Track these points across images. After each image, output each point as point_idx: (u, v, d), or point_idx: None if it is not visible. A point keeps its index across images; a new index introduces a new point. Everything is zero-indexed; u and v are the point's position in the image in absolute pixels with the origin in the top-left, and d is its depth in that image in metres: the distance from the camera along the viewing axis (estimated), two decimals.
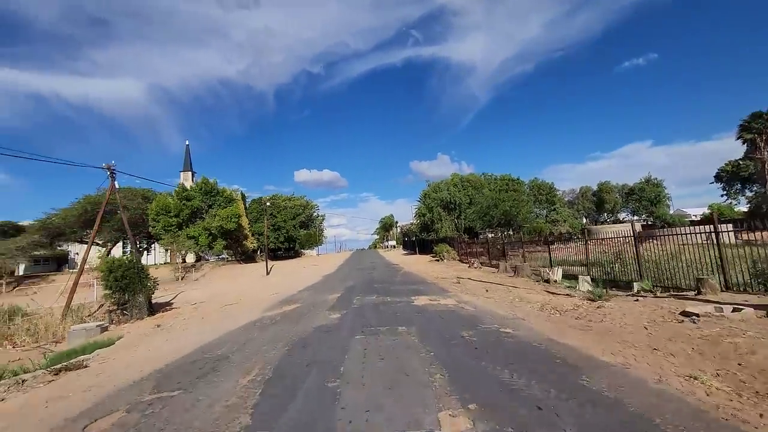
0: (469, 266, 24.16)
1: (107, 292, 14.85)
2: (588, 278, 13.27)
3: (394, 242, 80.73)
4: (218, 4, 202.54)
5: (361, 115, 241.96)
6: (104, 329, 12.34)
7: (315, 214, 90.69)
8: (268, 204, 33.58)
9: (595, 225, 54.13)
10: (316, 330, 7.53)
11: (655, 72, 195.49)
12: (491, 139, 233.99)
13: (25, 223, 45.80)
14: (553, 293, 11.62)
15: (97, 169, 16.00)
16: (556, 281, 14.63)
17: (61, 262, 59.42)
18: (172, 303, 18.59)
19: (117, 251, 54.81)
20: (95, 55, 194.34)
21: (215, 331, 8.49)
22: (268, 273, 31.78)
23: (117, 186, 15.82)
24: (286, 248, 61.80)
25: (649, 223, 51.25)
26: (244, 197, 47.09)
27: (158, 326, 10.87)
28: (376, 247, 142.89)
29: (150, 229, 35.68)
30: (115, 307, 15.06)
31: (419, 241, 53.45)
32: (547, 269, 15.87)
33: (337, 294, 13.72)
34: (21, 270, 46.46)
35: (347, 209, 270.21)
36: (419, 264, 31.00)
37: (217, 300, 17.60)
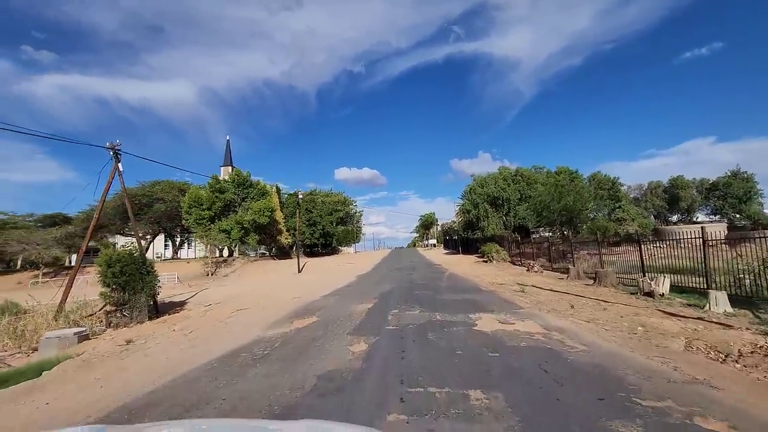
0: (528, 269, 20.36)
1: (104, 290, 12.78)
2: (722, 294, 9.34)
3: (434, 241, 77.00)
4: (263, 6, 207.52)
5: (402, 113, 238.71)
6: (83, 337, 10.07)
7: (353, 210, 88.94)
8: (300, 196, 31.40)
9: (666, 225, 47.57)
10: (317, 388, 4.34)
11: (720, 62, 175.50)
12: (535, 137, 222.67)
13: (73, 215, 46.79)
14: (678, 316, 7.91)
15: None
16: (662, 295, 10.77)
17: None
18: (187, 303, 16.45)
19: (159, 245, 55.49)
20: (151, 59, 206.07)
21: (174, 369, 5.61)
22: (299, 270, 29.55)
23: (121, 168, 13.76)
24: (323, 245, 60.01)
25: (738, 224, 44.05)
26: (279, 191, 45.49)
27: (128, 343, 8.38)
28: (415, 245, 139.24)
29: (183, 221, 34.73)
30: (114, 308, 12.99)
31: (463, 239, 49.58)
32: (646, 278, 11.95)
33: (368, 304, 10.71)
34: (73, 260, 47.75)
35: (386, 207, 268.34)
36: (464, 265, 27.45)
37: (234, 302, 15.22)
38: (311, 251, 65.94)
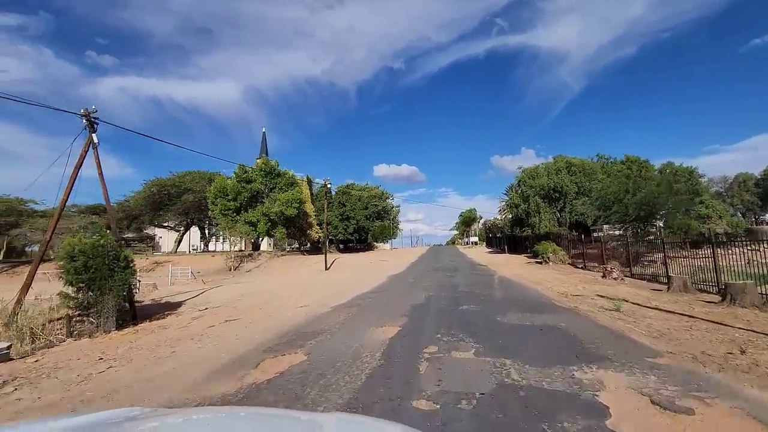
0: (605, 275, 15.98)
1: (66, 289, 10.21)
2: None
3: (476, 238, 72.15)
4: (305, 6, 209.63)
5: (441, 109, 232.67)
6: (5, 357, 7.37)
7: (390, 205, 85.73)
8: (329, 186, 28.48)
9: (756, 224, 40.24)
10: None
11: None
12: (584, 132, 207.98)
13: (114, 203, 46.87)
14: None
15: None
16: None
17: (150, 246, 62.07)
18: (183, 304, 13.78)
19: (195, 238, 55.10)
20: (200, 61, 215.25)
21: None
22: (327, 267, 26.64)
23: (96, 140, 11.17)
24: (357, 240, 57.21)
25: None
26: (310, 183, 42.97)
27: (13, 379, 5.42)
28: (454, 243, 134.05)
29: (210, 213, 33.04)
30: (77, 312, 10.42)
31: (509, 237, 44.85)
32: None
33: (391, 328, 7.19)
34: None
35: (425, 204, 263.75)
36: (515, 266, 23.31)
37: (236, 306, 12.37)
38: (346, 246, 63.50)
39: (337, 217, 48.24)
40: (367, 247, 72.47)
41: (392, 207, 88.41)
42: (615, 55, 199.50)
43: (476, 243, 70.28)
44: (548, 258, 24.83)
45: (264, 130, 75.05)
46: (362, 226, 54.51)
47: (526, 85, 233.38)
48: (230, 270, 28.35)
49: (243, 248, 44.24)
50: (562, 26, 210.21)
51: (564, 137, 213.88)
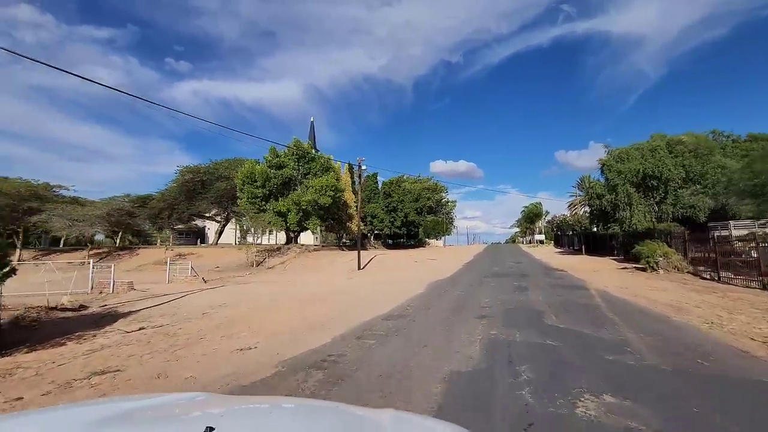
0: None
1: None
2: None
3: (542, 237, 63.77)
4: (363, 4, 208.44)
5: (501, 103, 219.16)
6: None
7: (444, 198, 79.46)
8: (364, 168, 23.55)
9: None
10: None
11: None
12: (663, 125, 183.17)
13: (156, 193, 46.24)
14: None
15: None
16: None
17: (199, 236, 62.03)
18: (126, 317, 9.64)
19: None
20: (265, 63, 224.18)
21: None
22: (360, 267, 21.98)
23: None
24: (406, 235, 52.07)
25: None
26: (351, 170, 38.55)
27: None
28: (514, 241, 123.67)
29: (238, 201, 29.95)
30: None
31: (587, 235, 37.12)
32: None
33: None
34: (163, 242, 47.86)
35: (483, 201, 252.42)
36: (607, 274, 17.02)
37: (183, 327, 8.01)
38: (394, 242, 58.62)
39: (383, 209, 43.55)
40: (418, 243, 67.06)
41: (447, 201, 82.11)
42: (700, 38, 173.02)
43: (542, 242, 61.91)
44: (656, 264, 18.00)
45: (312, 120, 72.38)
46: (411, 220, 49.30)
47: (596, 75, 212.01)
48: (252, 266, 24.76)
49: (285, 242, 41.14)
50: (638, 9, 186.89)
51: (638, 130, 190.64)
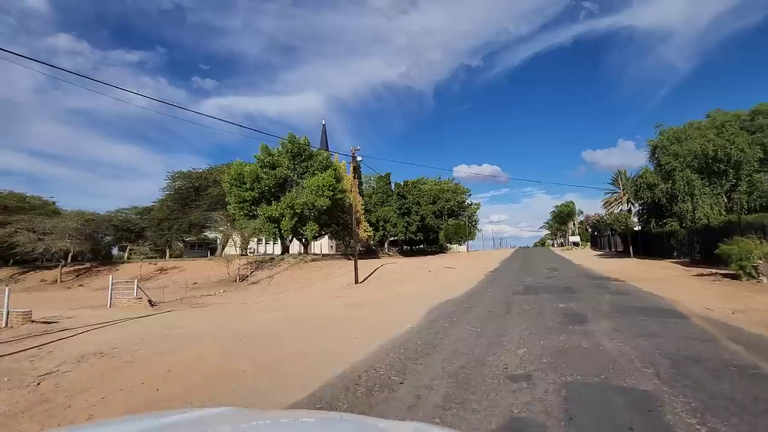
0: None
1: None
2: None
3: (576, 238, 57.72)
4: (380, 13, 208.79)
5: (524, 104, 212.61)
6: None
7: (466, 201, 74.36)
8: (358, 158, 19.40)
9: None
10: None
11: None
12: (696, 117, 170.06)
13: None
14: None
15: None
16: None
17: (211, 248, 59.51)
18: None
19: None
20: (287, 76, 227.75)
21: None
22: (357, 281, 17.92)
23: None
24: (424, 240, 47.61)
25: None
26: (358, 170, 34.71)
27: None
28: (543, 244, 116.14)
29: (228, 206, 26.59)
30: None
31: (636, 235, 31.61)
32: None
33: None
34: (176, 253, 45.33)
35: (509, 205, 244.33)
36: (690, 285, 12.44)
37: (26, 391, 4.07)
38: (412, 249, 54.15)
39: (395, 212, 39.36)
40: (439, 249, 62.24)
41: (469, 203, 76.97)
42: (734, 27, 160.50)
43: (577, 244, 55.81)
44: (754, 269, 13.06)
45: (324, 123, 69.28)
46: (429, 224, 44.90)
47: (622, 71, 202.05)
48: (236, 281, 21.12)
49: (281, 251, 37.61)
50: (663, 0, 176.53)
51: (671, 124, 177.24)
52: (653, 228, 26.81)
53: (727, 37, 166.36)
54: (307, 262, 24.63)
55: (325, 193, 24.46)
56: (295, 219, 25.15)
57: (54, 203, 31.86)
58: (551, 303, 9.43)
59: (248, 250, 37.00)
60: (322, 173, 25.64)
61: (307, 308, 11.34)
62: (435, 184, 69.86)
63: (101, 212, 34.09)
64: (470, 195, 73.31)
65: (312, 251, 40.01)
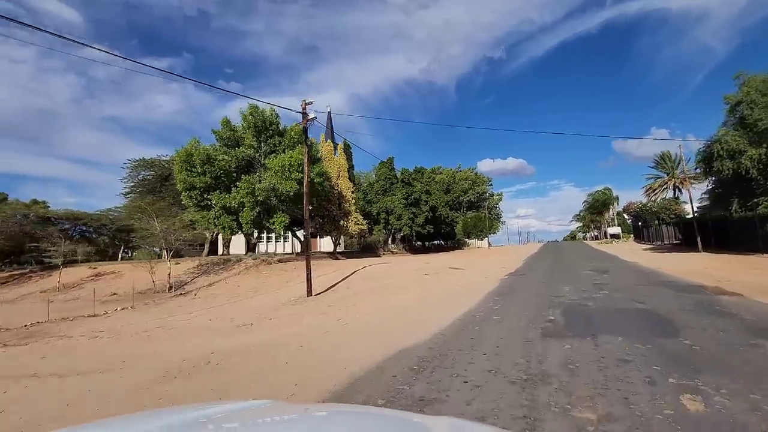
0: None
1: None
2: None
3: (617, 229, 50.02)
4: (400, 9, 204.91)
5: (550, 95, 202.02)
6: None
7: (487, 192, 67.47)
8: (311, 115, 13.79)
9: None
10: None
11: None
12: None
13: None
14: None
15: None
16: None
17: (213, 246, 55.04)
18: None
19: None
20: (309, 76, 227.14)
21: None
22: (311, 293, 12.30)
23: None
24: (432, 234, 41.42)
25: None
26: (349, 150, 29.18)
27: None
28: (574, 238, 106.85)
29: (182, 196, 21.60)
30: None
31: (704, 223, 24.46)
32: None
33: None
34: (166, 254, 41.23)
35: (536, 199, 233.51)
36: None
37: None
38: (424, 245, 48.09)
39: (399, 202, 33.49)
40: (456, 244, 55.85)
41: (490, 194, 69.98)
42: None
43: (617, 236, 48.08)
44: None
45: (329, 109, 64.13)
46: (441, 215, 38.79)
47: (654, 57, 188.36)
48: (169, 290, 15.98)
49: (246, 250, 32.44)
50: None
51: (709, 111, 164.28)
52: (735, 212, 19.91)
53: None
54: (271, 263, 19.22)
55: (292, 176, 18.98)
56: (257, 209, 19.82)
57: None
58: (643, 378, 3.56)
59: (253, 249, 32.32)
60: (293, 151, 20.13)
61: (212, 338, 5.87)
62: (453, 175, 63.32)
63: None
64: (491, 185, 66.48)
65: (320, 249, 34.88)
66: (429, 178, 38.76)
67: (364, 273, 16.74)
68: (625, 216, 59.40)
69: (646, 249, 29.71)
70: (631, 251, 26.73)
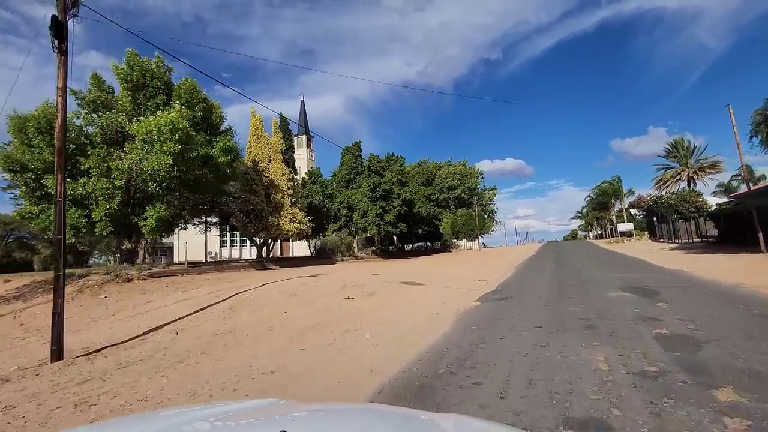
0: None
1: None
2: None
3: (629, 225, 43.47)
4: (395, 12, 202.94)
5: (547, 95, 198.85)
6: None
7: (479, 187, 60.98)
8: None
9: None
10: None
11: None
12: (732, 99, 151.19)
13: None
14: None
15: None
16: None
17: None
18: None
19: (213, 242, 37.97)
20: (305, 79, 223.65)
21: None
22: (59, 356, 5.81)
23: None
24: (406, 234, 34.78)
25: None
26: (286, 128, 22.68)
27: None
28: (575, 237, 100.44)
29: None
30: None
31: (734, 216, 17.98)
32: None
33: None
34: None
35: (536, 199, 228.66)
36: None
37: None
38: (402, 248, 41.41)
39: (365, 196, 27.03)
40: (443, 246, 49.27)
41: (483, 190, 63.48)
42: None
43: (630, 234, 41.48)
44: None
45: (302, 98, 58.05)
46: (420, 212, 32.31)
47: (650, 56, 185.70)
48: None
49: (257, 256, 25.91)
50: None
51: (706, 107, 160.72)
52: None
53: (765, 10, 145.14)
54: (132, 280, 12.71)
55: (167, 146, 12.50)
56: (118, 198, 13.36)
57: None
58: None
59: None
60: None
61: None
62: (439, 168, 56.92)
63: None
64: (483, 178, 59.97)
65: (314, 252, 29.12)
66: (400, 165, 32.10)
67: (250, 297, 10.26)
68: (633, 212, 52.90)
69: (673, 249, 23.35)
70: (659, 253, 20.36)
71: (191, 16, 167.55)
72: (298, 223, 20.10)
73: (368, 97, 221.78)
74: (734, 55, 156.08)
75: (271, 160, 20.11)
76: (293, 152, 22.14)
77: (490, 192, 61.99)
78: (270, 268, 18.78)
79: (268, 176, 19.69)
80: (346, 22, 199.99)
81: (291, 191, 20.38)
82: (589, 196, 63.35)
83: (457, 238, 48.93)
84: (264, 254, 20.60)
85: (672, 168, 49.99)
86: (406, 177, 29.50)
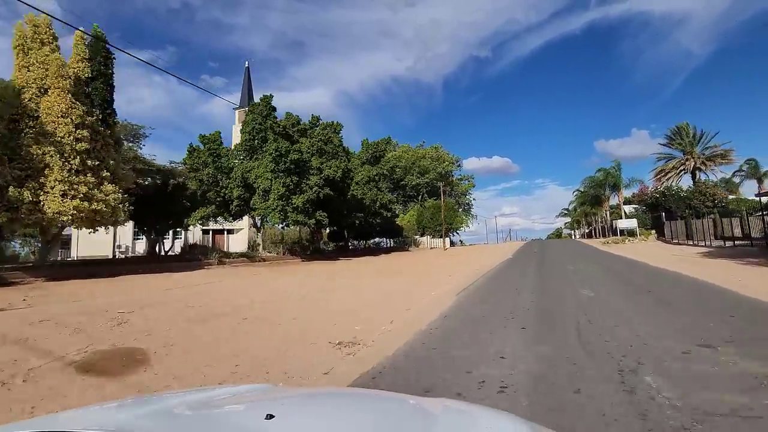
0: None
1: None
2: None
3: (632, 222, 35.62)
4: (386, 6, 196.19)
5: (534, 95, 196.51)
6: None
7: (453, 176, 52.76)
8: None
9: None
10: None
11: None
12: (715, 106, 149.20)
13: None
14: None
15: None
16: None
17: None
18: None
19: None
20: (295, 72, 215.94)
21: None
22: None
23: None
24: (325, 224, 25.87)
25: None
26: (100, 46, 13.46)
27: None
28: (559, 236, 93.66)
29: None
30: None
31: None
32: None
33: None
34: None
35: (521, 197, 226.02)
36: None
37: None
38: (346, 245, 32.57)
39: (267, 168, 18.39)
40: (401, 244, 40.71)
41: (458, 180, 55.31)
42: (759, 6, 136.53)
43: (632, 232, 33.68)
44: None
45: (247, 65, 49.00)
46: (355, 196, 23.72)
47: (635, 59, 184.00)
48: None
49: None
50: None
51: (687, 113, 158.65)
52: None
53: (748, 19, 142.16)
54: None
55: None
56: None
57: None
58: None
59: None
60: None
61: None
62: (408, 151, 48.72)
63: None
64: (460, 166, 51.80)
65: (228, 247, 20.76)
66: (322, 128, 23.27)
67: None
68: (627, 208, 45.35)
69: (700, 254, 15.40)
70: (704, 264, 12.34)
71: (178, 2, 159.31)
72: (97, 201, 11.38)
73: (357, 91, 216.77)
74: (716, 62, 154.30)
75: (47, 89, 11.33)
76: (112, 89, 13.09)
77: (467, 182, 53.88)
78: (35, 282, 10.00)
79: (37, 116, 10.94)
80: (337, 15, 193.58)
81: (87, 145, 11.61)
82: (578, 190, 55.83)
83: (423, 234, 40.66)
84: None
85: (675, 158, 42.66)
86: (327, 146, 20.83)
